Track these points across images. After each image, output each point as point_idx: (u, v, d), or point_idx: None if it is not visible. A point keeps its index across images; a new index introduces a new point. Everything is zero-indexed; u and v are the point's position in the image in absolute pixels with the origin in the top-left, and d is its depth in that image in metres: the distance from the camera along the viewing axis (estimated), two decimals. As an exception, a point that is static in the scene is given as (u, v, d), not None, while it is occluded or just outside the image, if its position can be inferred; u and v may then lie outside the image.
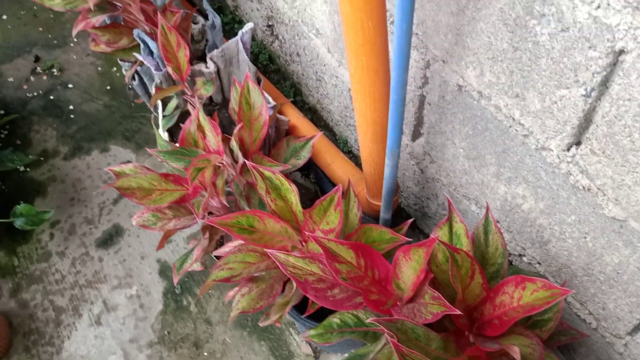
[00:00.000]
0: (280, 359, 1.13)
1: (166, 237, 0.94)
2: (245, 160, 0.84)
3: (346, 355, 1.01)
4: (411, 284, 0.77)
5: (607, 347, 0.83)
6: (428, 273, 0.75)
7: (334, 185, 1.32)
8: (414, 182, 1.16)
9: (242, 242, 0.82)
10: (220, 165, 0.91)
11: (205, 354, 1.15)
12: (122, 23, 1.29)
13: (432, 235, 0.75)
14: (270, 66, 1.61)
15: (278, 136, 1.26)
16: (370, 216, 1.21)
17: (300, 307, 0.97)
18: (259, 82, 1.29)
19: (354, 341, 0.95)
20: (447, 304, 0.67)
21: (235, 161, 0.94)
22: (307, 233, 0.75)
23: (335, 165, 1.26)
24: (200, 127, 0.93)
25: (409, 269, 0.77)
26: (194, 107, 1.22)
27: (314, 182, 1.34)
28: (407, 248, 0.77)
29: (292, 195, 0.83)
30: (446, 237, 0.76)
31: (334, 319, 0.86)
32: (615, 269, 0.73)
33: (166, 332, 1.20)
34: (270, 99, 1.28)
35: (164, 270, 1.30)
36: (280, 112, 1.34)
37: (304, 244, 0.86)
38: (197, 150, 0.93)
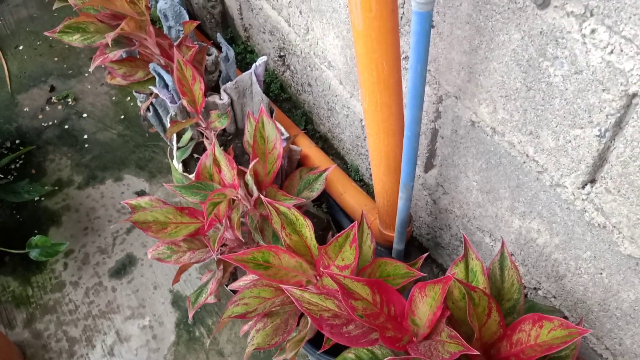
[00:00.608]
0: (293, 391, 1.12)
1: (181, 272, 0.95)
2: (261, 195, 0.85)
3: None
4: (427, 320, 0.76)
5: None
6: (445, 310, 0.75)
7: (345, 214, 1.33)
8: (427, 212, 1.17)
9: (257, 277, 0.82)
10: (235, 198, 0.92)
11: (218, 386, 1.15)
12: (138, 57, 1.32)
13: (448, 272, 0.75)
14: (282, 95, 1.63)
15: (291, 166, 1.28)
16: (383, 246, 1.21)
17: (314, 340, 0.96)
18: (271, 112, 1.31)
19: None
20: (464, 344, 0.67)
21: (250, 194, 0.95)
22: (322, 270, 0.75)
23: (348, 194, 1.26)
24: (215, 161, 0.94)
25: (425, 305, 0.77)
26: (208, 139, 1.24)
27: (326, 211, 1.35)
28: (423, 284, 0.77)
29: (307, 230, 0.84)
30: (462, 274, 0.77)
31: (349, 354, 0.86)
32: (632, 306, 0.73)
33: (179, 364, 1.20)
34: (283, 130, 1.29)
35: (177, 301, 1.30)
36: (293, 142, 1.35)
37: (318, 278, 0.86)
38: (212, 185, 0.94)
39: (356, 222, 0.79)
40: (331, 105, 1.37)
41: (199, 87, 1.17)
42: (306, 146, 1.35)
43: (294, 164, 1.30)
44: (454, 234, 1.11)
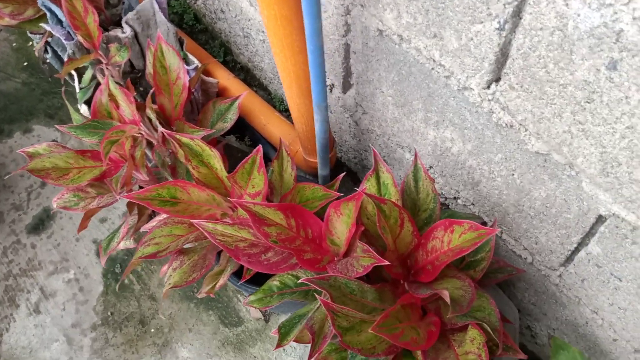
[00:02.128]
0: (230, 326, 1.11)
1: (87, 218, 0.89)
2: (161, 129, 0.79)
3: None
4: (345, 238, 0.75)
5: (543, 279, 0.85)
6: (359, 226, 0.73)
7: (272, 146, 1.28)
8: (351, 135, 1.14)
9: (166, 214, 0.77)
10: (139, 135, 0.86)
11: (153, 330, 1.12)
12: (23, -10, 1.18)
13: (360, 188, 0.73)
14: (197, 26, 1.53)
15: (207, 100, 1.21)
16: (310, 174, 1.18)
17: (240, 272, 0.94)
18: (181, 43, 1.22)
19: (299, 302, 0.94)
20: (375, 255, 0.66)
21: (155, 130, 0.89)
22: (231, 199, 0.72)
23: (271, 125, 1.21)
24: (112, 97, 0.86)
25: (342, 224, 0.75)
26: (114, 76, 1.14)
27: (249, 144, 1.30)
28: (337, 203, 0.75)
29: (216, 161, 0.79)
30: (374, 188, 0.75)
31: (274, 282, 0.84)
32: (543, 203, 0.73)
33: (109, 313, 1.16)
34: (195, 60, 1.21)
35: (103, 250, 1.25)
36: (208, 74, 1.27)
37: (234, 210, 0.83)
38: (111, 122, 0.87)
39: (260, 145, 0.75)
40: (247, 32, 1.29)
41: (92, 20, 1.07)
42: (224, 78, 1.27)
43: (212, 97, 1.23)
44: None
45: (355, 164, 1.23)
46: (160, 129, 0.85)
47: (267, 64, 1.32)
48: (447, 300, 0.61)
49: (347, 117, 1.09)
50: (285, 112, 1.37)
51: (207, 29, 1.52)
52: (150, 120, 0.88)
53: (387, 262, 0.64)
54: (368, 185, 0.74)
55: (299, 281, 0.68)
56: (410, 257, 0.73)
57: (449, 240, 0.68)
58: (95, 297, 1.18)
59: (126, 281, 1.19)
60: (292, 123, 1.24)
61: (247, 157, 0.74)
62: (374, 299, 0.70)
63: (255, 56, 1.35)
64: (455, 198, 0.92)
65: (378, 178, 0.74)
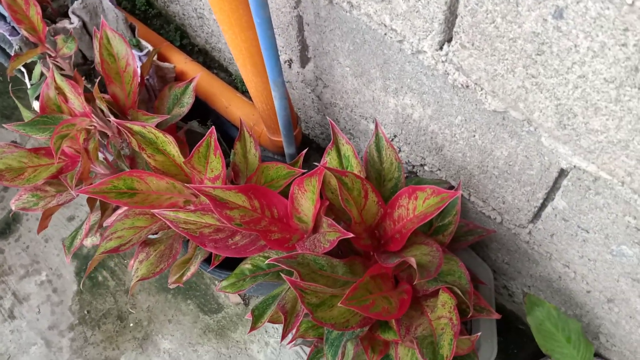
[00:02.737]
0: (210, 313, 1.10)
1: (47, 217, 0.86)
2: (112, 118, 0.76)
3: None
4: (312, 215, 0.74)
5: (514, 238, 0.85)
6: (324, 202, 0.72)
7: (237, 129, 1.26)
8: (315, 110, 1.12)
9: (126, 207, 0.75)
10: (91, 128, 0.83)
11: (132, 324, 1.11)
12: (-42, -14, 1.12)
13: (321, 162, 0.71)
14: (150, 11, 1.48)
15: (164, 86, 1.17)
16: (278, 154, 1.17)
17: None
18: (132, 29, 1.18)
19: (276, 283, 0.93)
20: (340, 229, 0.65)
21: (109, 121, 0.86)
22: (189, 185, 0.70)
23: (233, 107, 1.19)
24: (59, 90, 0.83)
25: (307, 200, 0.74)
26: (64, 69, 1.10)
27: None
28: (300, 180, 0.73)
29: (172, 147, 0.77)
30: (335, 162, 0.73)
31: (246, 265, 0.83)
32: (506, 162, 0.73)
33: (86, 312, 1.14)
34: (148, 46, 1.17)
35: (75, 249, 1.22)
36: (164, 59, 1.24)
37: (198, 196, 0.81)
38: (61, 117, 0.83)
39: (213, 127, 0.73)
40: (200, 12, 1.25)
41: (35, 12, 1.02)
42: (181, 62, 1.24)
43: (170, 83, 1.19)
44: (343, 127, 1.07)
45: (323, 139, 1.21)
46: (112, 118, 0.82)
47: (224, 44, 1.28)
48: (414, 266, 0.60)
49: (309, 92, 1.07)
50: (247, 92, 1.34)
51: (161, 13, 1.47)
52: (102, 111, 0.85)
53: (351, 235, 0.63)
54: (329, 158, 0.73)
55: (266, 262, 0.67)
56: (379, 228, 0.73)
57: (414, 207, 0.67)
58: (70, 297, 1.16)
59: (100, 278, 1.17)
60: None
61: (201, 141, 0.72)
62: (345, 272, 0.69)
63: (212, 37, 1.31)
64: (421, 165, 0.91)
65: (338, 151, 0.73)
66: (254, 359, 1.06)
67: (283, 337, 0.67)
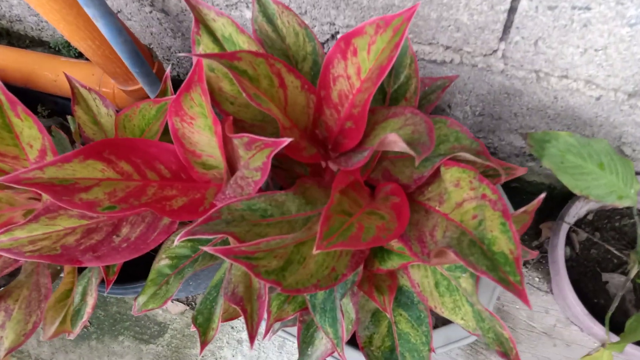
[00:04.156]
0: (153, 339, 0.84)
1: None
2: None
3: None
4: (218, 149, 0.48)
5: (482, 75, 0.64)
6: (225, 120, 0.46)
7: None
8: (169, 34, 0.83)
9: None
10: None
11: (60, 401, 0.82)
12: None
13: (193, 55, 0.45)
14: None
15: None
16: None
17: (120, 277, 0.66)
18: None
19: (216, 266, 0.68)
20: (265, 140, 0.40)
21: None
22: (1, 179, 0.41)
23: (63, 76, 0.87)
24: None
25: (201, 131, 0.48)
26: None
27: (45, 115, 0.94)
28: (176, 106, 0.47)
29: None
30: (211, 47, 0.47)
31: (161, 263, 0.57)
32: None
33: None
34: None
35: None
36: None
37: (40, 198, 0.52)
38: None
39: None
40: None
41: None
42: (-30, 50, 0.89)
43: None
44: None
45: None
46: None
47: (22, 10, 0.94)
48: (400, 144, 0.37)
49: (149, 11, 0.78)
50: (79, 56, 1.01)
51: None
52: None
53: (285, 140, 0.39)
54: (202, 47, 0.46)
55: (175, 243, 0.41)
56: (318, 126, 0.48)
57: (357, 68, 0.43)
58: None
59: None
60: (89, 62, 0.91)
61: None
62: (301, 205, 0.45)
63: (2, 2, 0.96)
64: (333, 34, 0.67)
65: (211, 33, 0.46)
66: (233, 364, 0.82)
67: (251, 337, 0.43)
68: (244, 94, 0.40)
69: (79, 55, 1.01)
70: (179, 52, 0.87)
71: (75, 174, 0.42)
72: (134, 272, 0.72)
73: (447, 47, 0.61)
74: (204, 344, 0.46)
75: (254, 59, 0.41)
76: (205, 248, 0.36)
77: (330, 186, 0.50)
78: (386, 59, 0.40)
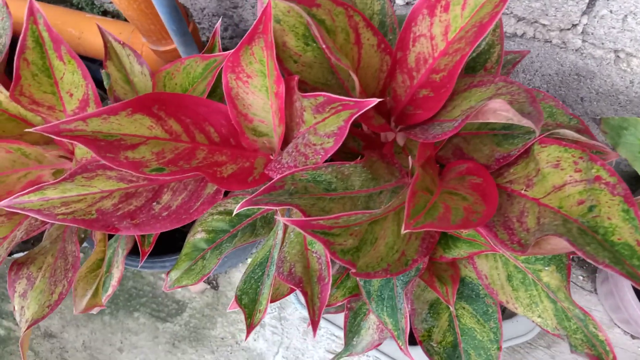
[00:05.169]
0: (170, 318, 0.79)
1: None
2: None
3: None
4: (275, 113, 0.43)
5: (554, 53, 0.59)
6: (290, 79, 0.41)
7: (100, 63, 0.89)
8: (205, -4, 0.77)
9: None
10: None
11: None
12: None
13: (258, 11, 0.39)
14: None
15: None
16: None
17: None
18: None
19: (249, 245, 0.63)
20: (346, 103, 0.35)
21: None
22: (37, 129, 0.36)
23: (89, 32, 0.82)
24: None
25: (257, 92, 0.43)
26: None
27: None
28: (234, 61, 0.42)
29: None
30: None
31: (197, 236, 0.52)
32: None
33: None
34: None
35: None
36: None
37: (71, 156, 0.47)
38: None
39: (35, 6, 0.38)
40: None
41: None
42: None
43: None
44: (252, 2, 0.74)
45: (231, 38, 0.88)
46: None
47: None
48: (505, 113, 0.32)
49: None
50: (103, 13, 0.95)
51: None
52: None
53: (375, 100, 0.34)
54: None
55: (235, 212, 0.37)
56: (387, 91, 0.43)
57: (446, 27, 0.38)
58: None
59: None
60: (116, 18, 0.85)
61: (19, 46, 0.37)
62: (365, 180, 0.40)
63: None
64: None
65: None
66: (254, 350, 0.77)
67: (313, 323, 0.38)
68: (322, 46, 0.35)
69: (104, 13, 0.95)
70: (215, 17, 0.81)
71: (122, 129, 0.37)
72: (157, 245, 0.68)
73: (521, 19, 0.56)
74: (250, 327, 0.42)
75: (333, 7, 0.36)
76: (282, 219, 0.31)
77: (392, 162, 0.45)
78: (488, 15, 0.35)
